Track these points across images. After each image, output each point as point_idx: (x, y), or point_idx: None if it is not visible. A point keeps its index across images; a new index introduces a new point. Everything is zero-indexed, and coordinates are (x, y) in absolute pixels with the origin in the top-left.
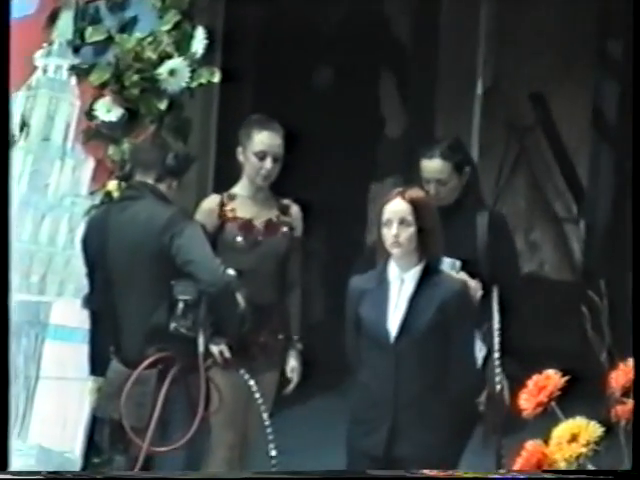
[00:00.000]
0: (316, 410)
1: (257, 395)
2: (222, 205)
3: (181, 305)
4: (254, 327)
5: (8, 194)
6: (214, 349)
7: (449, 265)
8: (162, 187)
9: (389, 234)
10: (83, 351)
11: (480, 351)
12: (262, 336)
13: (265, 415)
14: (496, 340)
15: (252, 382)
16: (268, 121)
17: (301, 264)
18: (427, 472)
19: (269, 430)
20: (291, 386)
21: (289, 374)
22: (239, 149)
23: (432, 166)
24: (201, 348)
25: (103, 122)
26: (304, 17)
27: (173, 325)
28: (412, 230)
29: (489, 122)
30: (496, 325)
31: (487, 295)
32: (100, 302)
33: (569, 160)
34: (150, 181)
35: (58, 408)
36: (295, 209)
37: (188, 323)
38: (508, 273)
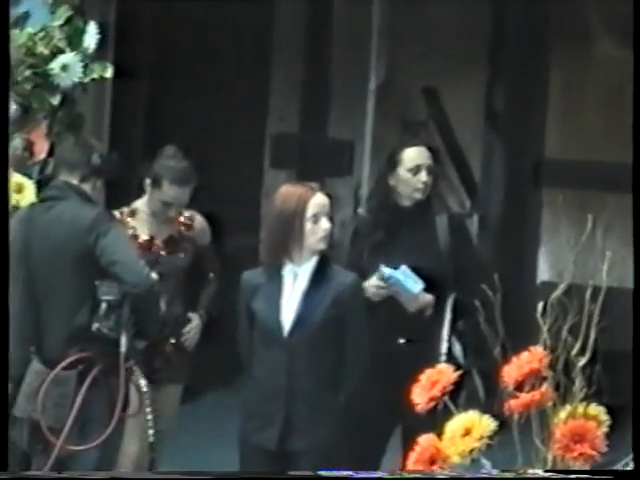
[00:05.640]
0: (208, 407)
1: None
2: (121, 223)
3: (104, 305)
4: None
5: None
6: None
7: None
8: (86, 187)
9: (318, 229)
10: None
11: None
12: (167, 348)
13: (151, 432)
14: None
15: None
16: (180, 169)
17: (210, 270)
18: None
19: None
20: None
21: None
22: (147, 181)
23: (419, 152)
24: (123, 349)
25: None
26: (197, 11)
27: (96, 325)
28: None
29: (383, 118)
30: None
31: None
32: (22, 302)
33: (462, 155)
34: (75, 181)
35: None
36: (199, 220)
37: (110, 324)
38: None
